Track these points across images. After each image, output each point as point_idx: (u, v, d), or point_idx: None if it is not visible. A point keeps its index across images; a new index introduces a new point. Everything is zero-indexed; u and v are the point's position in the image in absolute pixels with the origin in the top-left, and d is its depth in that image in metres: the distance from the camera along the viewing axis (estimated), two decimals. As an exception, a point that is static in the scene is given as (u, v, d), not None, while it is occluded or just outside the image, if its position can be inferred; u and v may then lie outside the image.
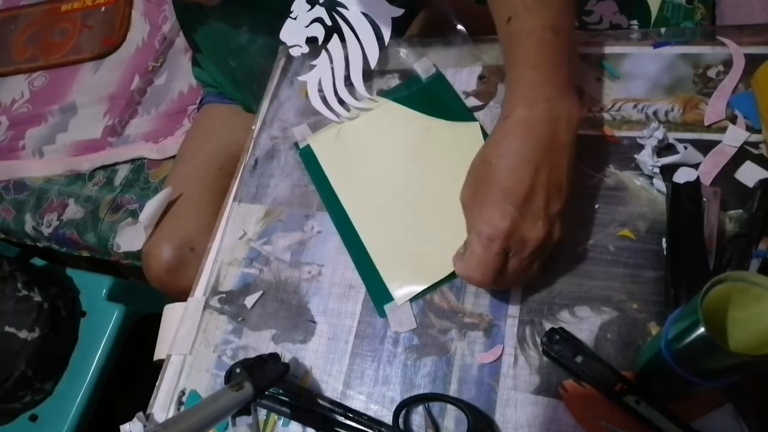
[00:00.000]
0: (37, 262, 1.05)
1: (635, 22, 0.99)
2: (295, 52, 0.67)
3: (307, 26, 0.65)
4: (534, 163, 0.44)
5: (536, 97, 0.46)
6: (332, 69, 0.65)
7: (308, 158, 0.62)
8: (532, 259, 0.45)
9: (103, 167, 1.14)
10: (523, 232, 0.43)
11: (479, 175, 0.46)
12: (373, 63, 0.64)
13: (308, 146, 0.63)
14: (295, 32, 0.66)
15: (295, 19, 0.66)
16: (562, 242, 0.46)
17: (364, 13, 0.63)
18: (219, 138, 0.90)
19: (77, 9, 1.33)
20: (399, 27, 0.75)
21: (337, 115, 0.63)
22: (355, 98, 0.64)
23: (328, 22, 0.64)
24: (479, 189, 0.45)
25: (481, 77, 0.61)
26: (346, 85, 0.64)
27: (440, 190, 0.54)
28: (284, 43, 0.67)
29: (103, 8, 1.31)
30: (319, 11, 0.64)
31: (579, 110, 0.47)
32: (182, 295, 0.59)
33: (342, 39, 0.64)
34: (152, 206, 0.79)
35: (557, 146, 0.45)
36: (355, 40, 0.63)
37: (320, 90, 0.65)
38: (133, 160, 1.12)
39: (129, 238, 0.81)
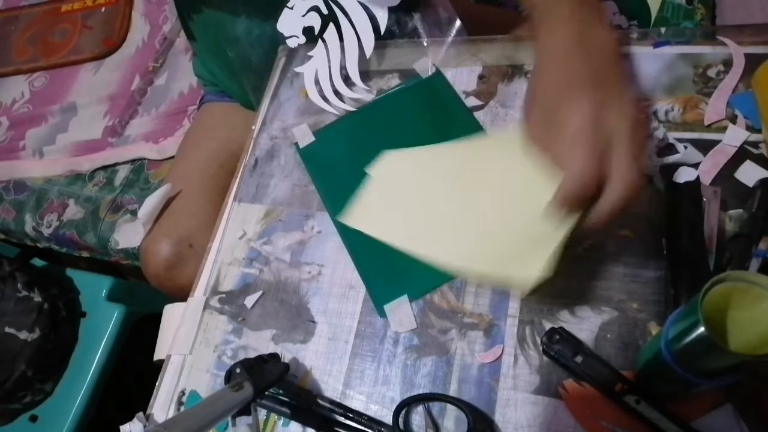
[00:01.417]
0: (37, 262, 1.05)
1: (635, 22, 0.99)
2: (292, 42, 0.66)
3: (303, 15, 0.65)
4: (591, 68, 0.42)
5: (572, 14, 0.45)
6: (329, 60, 0.65)
7: (308, 158, 0.62)
8: (632, 141, 0.40)
9: (104, 167, 1.14)
10: (609, 115, 0.40)
11: (544, 98, 0.44)
12: (368, 52, 0.64)
13: (308, 146, 0.63)
14: (291, 22, 0.66)
15: (292, 8, 0.66)
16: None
17: (360, 2, 0.63)
18: (219, 135, 0.90)
19: (77, 9, 1.33)
20: (398, 27, 0.74)
21: (335, 107, 0.64)
22: (352, 90, 0.64)
23: (325, 11, 0.64)
24: (547, 110, 0.43)
25: (481, 77, 0.61)
26: (342, 77, 0.64)
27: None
28: (282, 34, 0.67)
29: (103, 9, 1.31)
30: (316, 0, 0.64)
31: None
32: (180, 293, 0.59)
33: (338, 29, 0.64)
34: (151, 203, 0.78)
35: (606, 51, 0.44)
36: (352, 29, 0.63)
37: (317, 82, 0.65)
38: (133, 161, 1.12)
39: (127, 235, 0.81)
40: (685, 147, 0.50)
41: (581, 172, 0.40)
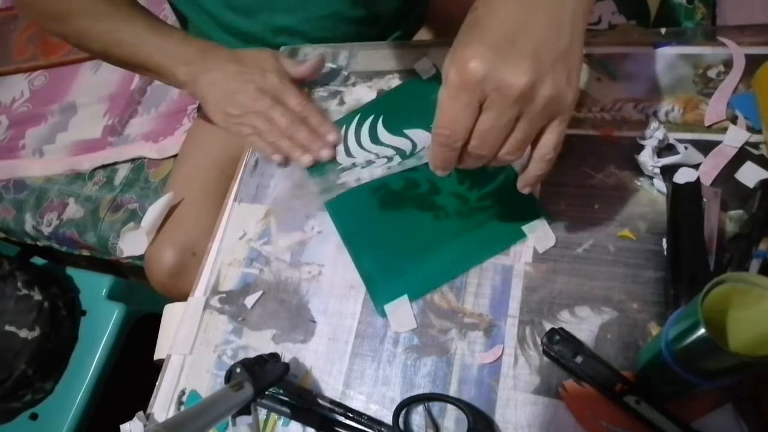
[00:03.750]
0: (37, 261, 1.05)
1: (633, 22, 0.99)
2: None
3: None
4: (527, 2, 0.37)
5: None
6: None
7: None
8: (512, 113, 0.36)
9: (103, 167, 1.14)
10: (498, 76, 0.35)
11: (463, 25, 0.39)
12: None
13: None
14: None
15: None
16: (573, 103, 0.38)
17: None
18: (220, 141, 0.90)
19: (77, 8, 1.32)
20: (407, 34, 0.74)
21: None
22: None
23: None
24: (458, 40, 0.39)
25: (481, 77, 0.61)
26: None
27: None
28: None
29: (103, 7, 1.31)
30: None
31: None
32: (185, 299, 0.59)
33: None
34: (154, 211, 0.78)
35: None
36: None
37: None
38: (133, 160, 1.13)
39: (131, 243, 0.81)
40: (686, 148, 0.50)
41: (439, 131, 0.39)
